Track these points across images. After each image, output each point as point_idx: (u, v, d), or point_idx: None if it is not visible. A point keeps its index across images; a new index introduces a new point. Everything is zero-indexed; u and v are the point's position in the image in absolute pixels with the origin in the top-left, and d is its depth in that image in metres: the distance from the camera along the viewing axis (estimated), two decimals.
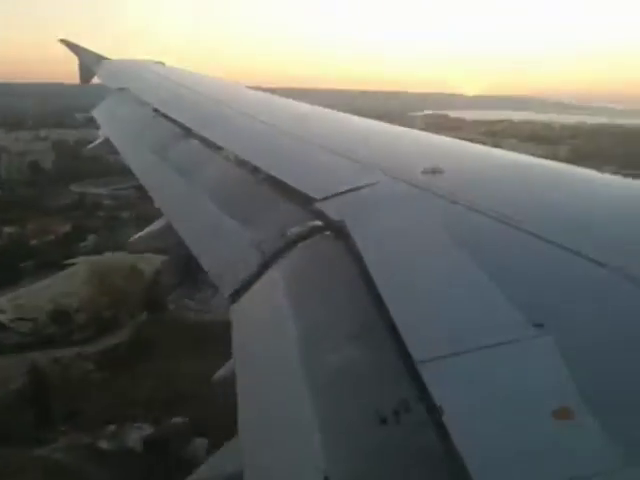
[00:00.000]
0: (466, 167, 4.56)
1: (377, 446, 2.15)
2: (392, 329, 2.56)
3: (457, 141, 5.63)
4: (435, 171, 4.10)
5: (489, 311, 2.56)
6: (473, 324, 2.50)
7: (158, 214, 5.71)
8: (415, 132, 6.21)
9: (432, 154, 4.98)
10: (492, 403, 2.09)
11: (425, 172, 4.09)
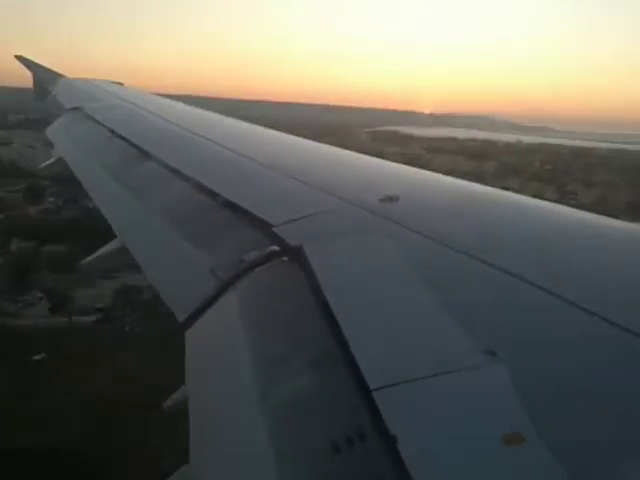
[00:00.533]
0: (422, 195, 4.65)
1: (331, 475, 2.13)
2: (348, 356, 2.55)
3: (414, 169, 5.74)
4: (392, 198, 4.16)
5: (443, 339, 2.58)
6: (427, 351, 2.52)
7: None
8: (373, 159, 6.30)
9: (389, 181, 5.06)
10: (445, 430, 2.10)
11: (382, 199, 4.15)
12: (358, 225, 3.93)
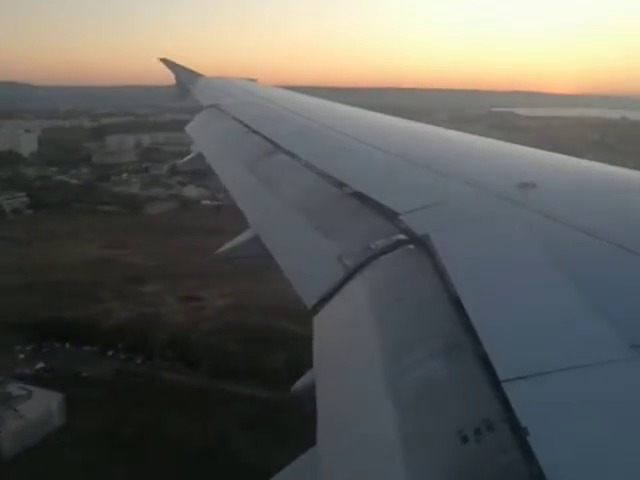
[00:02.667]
0: (561, 181, 4.39)
1: (458, 465, 2.09)
2: (477, 346, 2.48)
3: (550, 154, 5.44)
4: (528, 185, 3.98)
5: (582, 330, 2.44)
6: (564, 343, 2.39)
7: None
8: (505, 144, 6.05)
9: (524, 167, 4.84)
10: (582, 427, 1.98)
11: (517, 186, 3.98)
12: (490, 213, 3.79)
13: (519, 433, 1.97)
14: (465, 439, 2.08)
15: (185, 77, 16.96)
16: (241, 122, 9.32)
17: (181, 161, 11.27)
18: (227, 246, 6.09)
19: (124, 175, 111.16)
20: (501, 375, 2.23)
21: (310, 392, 3.06)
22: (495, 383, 2.22)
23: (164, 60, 17.98)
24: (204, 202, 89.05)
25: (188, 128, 11.57)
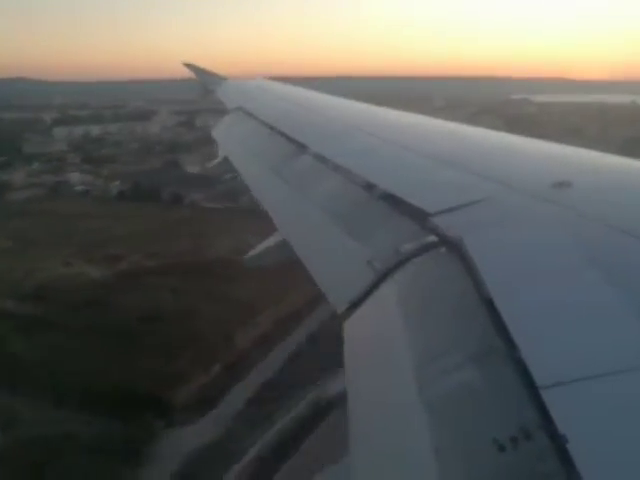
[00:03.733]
0: (598, 180, 4.28)
1: (494, 474, 2.03)
2: (512, 351, 2.43)
3: (586, 151, 5.31)
4: (563, 184, 3.89)
5: (622, 334, 2.36)
6: (604, 347, 2.32)
7: None
8: (538, 142, 5.93)
9: (559, 166, 4.73)
10: (623, 435, 1.92)
11: (552, 185, 3.89)
12: (525, 214, 3.71)
13: (558, 441, 1.91)
14: (502, 448, 2.03)
15: (208, 80, 17.09)
16: (266, 124, 9.33)
17: (209, 165, 11.34)
18: (255, 251, 6.10)
19: (35, 164, 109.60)
20: (538, 381, 2.17)
21: (341, 398, 3.04)
22: (532, 389, 2.17)
23: (188, 65, 18.18)
24: (78, 188, 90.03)
25: (214, 132, 11.64)
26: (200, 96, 17.19)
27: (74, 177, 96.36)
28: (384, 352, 3.17)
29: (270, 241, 5.81)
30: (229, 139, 10.82)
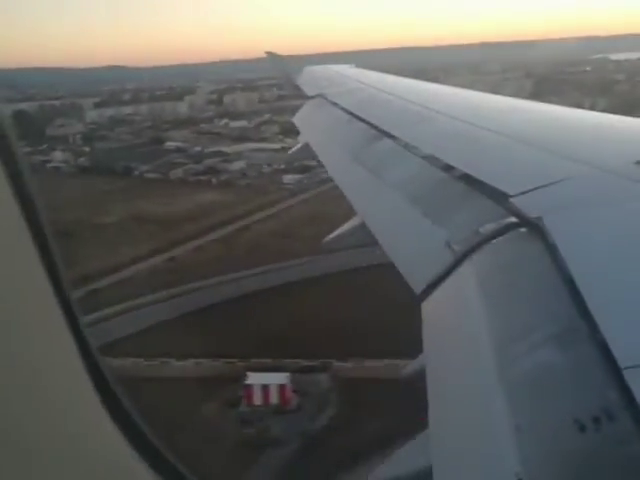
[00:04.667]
0: None
1: (575, 455, 2.02)
2: (595, 332, 2.39)
3: None
4: None
5: None
6: None
7: None
8: (617, 118, 5.68)
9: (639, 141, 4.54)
10: None
11: (635, 162, 3.75)
12: (608, 193, 3.59)
13: None
14: (583, 428, 2.02)
15: (289, 68, 17.32)
16: (346, 110, 9.39)
17: (290, 152, 11.54)
18: (335, 233, 6.19)
19: (44, 145, 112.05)
20: (621, 362, 2.13)
21: (420, 377, 3.07)
22: (615, 370, 2.13)
23: (269, 53, 18.49)
24: (50, 164, 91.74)
25: (295, 119, 11.82)
26: (285, 86, 17.49)
27: (56, 155, 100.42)
28: (463, 332, 3.18)
29: (349, 224, 5.88)
30: (309, 126, 10.95)
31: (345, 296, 36.88)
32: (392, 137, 6.82)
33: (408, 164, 5.89)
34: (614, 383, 2.10)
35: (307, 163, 54.91)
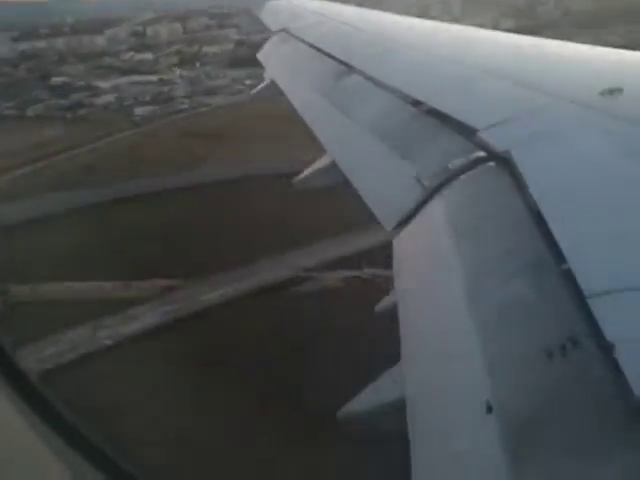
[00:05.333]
0: None
1: (543, 381, 2.10)
2: (561, 262, 2.44)
3: (637, 54, 5.03)
4: (613, 91, 3.74)
5: None
6: None
7: None
8: (586, 48, 5.65)
9: (609, 72, 4.52)
10: None
11: (601, 93, 3.75)
12: (573, 124, 3.61)
13: (605, 349, 1.95)
14: (550, 355, 2.09)
15: (251, 1, 16.73)
16: (311, 45, 9.15)
17: (254, 91, 11.25)
18: (305, 173, 6.13)
19: None
20: (586, 291, 2.19)
21: (392, 312, 3.13)
22: (580, 299, 2.19)
23: None
24: None
25: (259, 55, 11.48)
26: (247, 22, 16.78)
27: None
28: (434, 267, 3.23)
29: (319, 163, 5.83)
30: (274, 62, 10.67)
31: None
32: (358, 71, 6.69)
33: (375, 100, 5.80)
34: (580, 312, 2.16)
35: (173, 94, 55.18)
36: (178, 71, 67.23)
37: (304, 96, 7.70)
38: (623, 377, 1.81)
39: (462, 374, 2.40)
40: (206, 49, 76.29)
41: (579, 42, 5.78)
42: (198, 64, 69.70)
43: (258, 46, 12.66)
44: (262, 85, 10.60)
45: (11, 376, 2.08)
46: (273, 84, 9.48)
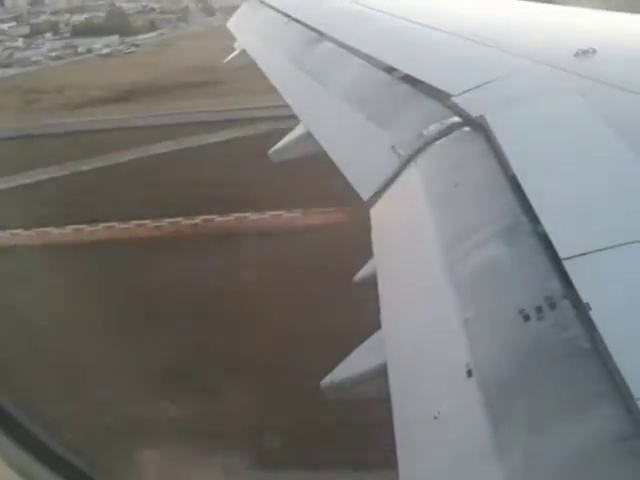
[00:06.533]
0: (624, 45, 4.10)
1: (520, 343, 2.13)
2: (536, 227, 2.47)
3: (613, 15, 5.04)
4: (587, 52, 3.74)
5: None
6: (626, 219, 2.34)
7: None
8: (561, 9, 5.65)
9: (583, 33, 4.52)
10: None
11: (575, 54, 3.75)
12: (547, 87, 3.61)
13: (581, 309, 1.98)
14: (527, 317, 2.12)
15: None
16: (281, 12, 8.99)
17: (226, 60, 11.04)
18: (279, 144, 6.08)
19: None
20: (561, 253, 2.22)
21: (372, 281, 3.14)
22: (556, 261, 2.22)
23: None
24: None
25: (229, 24, 11.25)
26: None
27: None
28: (411, 235, 3.24)
29: (294, 133, 5.78)
30: (245, 31, 10.47)
31: None
32: (330, 38, 6.60)
33: (349, 67, 5.75)
34: (555, 274, 2.19)
35: None
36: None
37: (276, 65, 7.60)
38: (598, 335, 1.85)
39: (441, 339, 2.43)
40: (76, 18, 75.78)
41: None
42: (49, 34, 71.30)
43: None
44: (234, 54, 10.40)
45: None
46: (244, 53, 9.33)
